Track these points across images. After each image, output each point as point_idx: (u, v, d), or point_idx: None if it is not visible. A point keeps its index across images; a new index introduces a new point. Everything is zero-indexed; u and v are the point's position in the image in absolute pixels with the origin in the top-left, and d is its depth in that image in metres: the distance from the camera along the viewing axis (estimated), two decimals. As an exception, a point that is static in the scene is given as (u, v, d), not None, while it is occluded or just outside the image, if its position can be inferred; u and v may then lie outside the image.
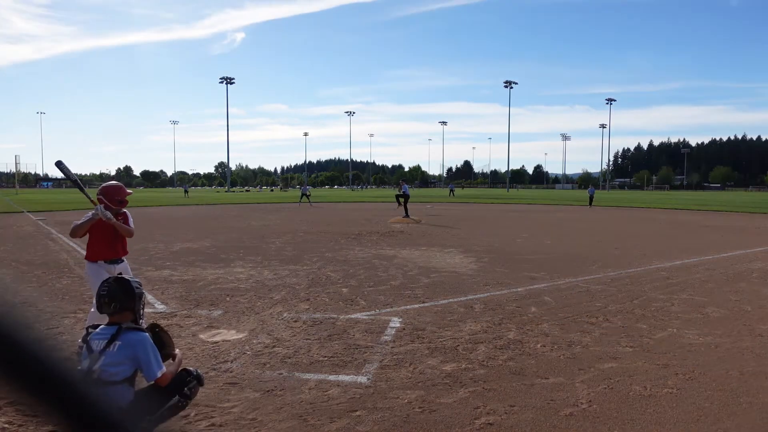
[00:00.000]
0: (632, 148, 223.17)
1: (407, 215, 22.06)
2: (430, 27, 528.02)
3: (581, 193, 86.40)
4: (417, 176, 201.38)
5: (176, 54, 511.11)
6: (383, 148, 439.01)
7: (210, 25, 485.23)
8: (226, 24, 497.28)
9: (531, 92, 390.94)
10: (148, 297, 7.54)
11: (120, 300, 3.27)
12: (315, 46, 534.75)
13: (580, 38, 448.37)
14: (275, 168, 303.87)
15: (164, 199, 51.09)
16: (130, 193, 5.29)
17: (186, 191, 63.79)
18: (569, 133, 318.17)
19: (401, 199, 22.95)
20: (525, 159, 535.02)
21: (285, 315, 6.52)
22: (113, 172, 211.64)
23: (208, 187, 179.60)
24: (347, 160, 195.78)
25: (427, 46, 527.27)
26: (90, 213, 4.87)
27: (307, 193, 40.23)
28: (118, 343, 3.13)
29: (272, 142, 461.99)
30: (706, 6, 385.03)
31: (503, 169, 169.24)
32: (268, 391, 4.19)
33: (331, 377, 4.49)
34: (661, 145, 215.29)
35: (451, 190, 64.70)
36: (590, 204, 36.57)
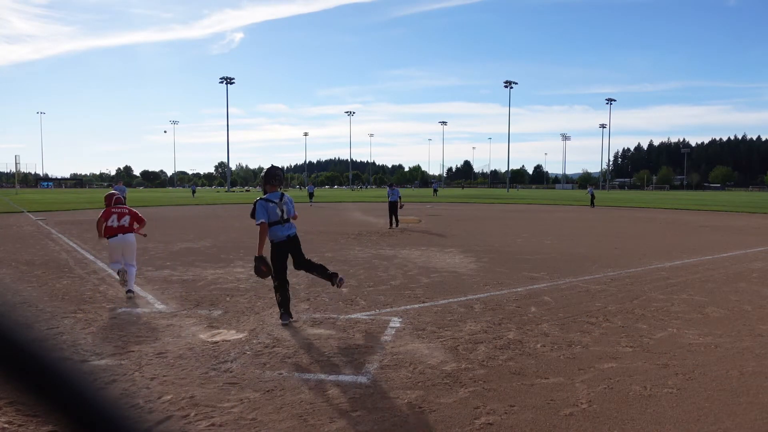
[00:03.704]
0: (632, 148, 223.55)
1: (391, 225, 18.55)
2: (429, 27, 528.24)
3: (581, 193, 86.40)
4: (417, 176, 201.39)
5: (175, 54, 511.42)
6: (383, 148, 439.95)
7: (209, 25, 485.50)
8: (225, 24, 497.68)
9: (531, 92, 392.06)
10: (148, 297, 7.56)
11: (282, 178, 6.55)
12: (314, 46, 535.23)
13: (580, 38, 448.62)
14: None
15: (165, 198, 51.10)
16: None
17: (194, 191, 64.06)
18: (569, 133, 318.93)
19: (393, 215, 18.57)
20: (525, 159, 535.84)
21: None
22: (113, 172, 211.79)
23: (208, 187, 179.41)
24: (347, 160, 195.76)
25: (428, 46, 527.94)
26: None
27: (312, 191, 40.86)
28: (286, 198, 6.33)
29: (272, 142, 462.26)
30: (705, 6, 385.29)
31: (503, 169, 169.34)
32: (268, 391, 4.19)
33: (331, 377, 4.49)
34: (661, 145, 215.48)
35: (435, 190, 67.79)
36: (592, 204, 36.19)
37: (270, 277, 6.11)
